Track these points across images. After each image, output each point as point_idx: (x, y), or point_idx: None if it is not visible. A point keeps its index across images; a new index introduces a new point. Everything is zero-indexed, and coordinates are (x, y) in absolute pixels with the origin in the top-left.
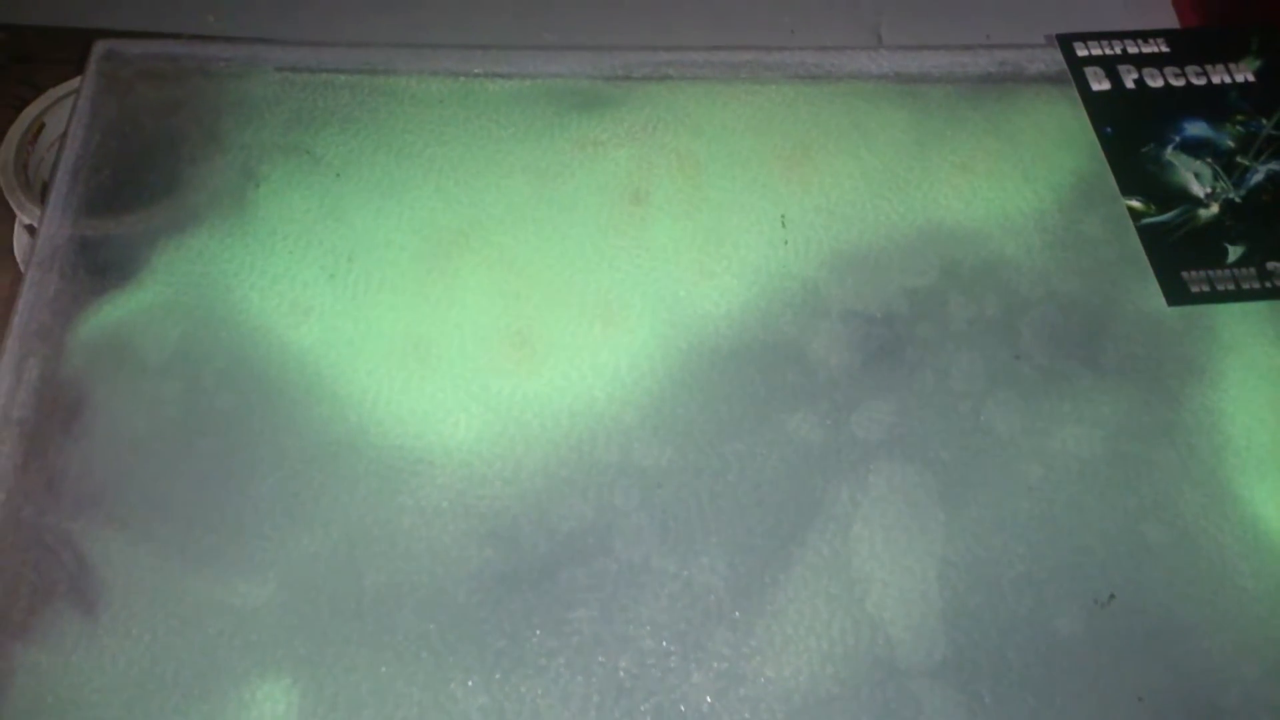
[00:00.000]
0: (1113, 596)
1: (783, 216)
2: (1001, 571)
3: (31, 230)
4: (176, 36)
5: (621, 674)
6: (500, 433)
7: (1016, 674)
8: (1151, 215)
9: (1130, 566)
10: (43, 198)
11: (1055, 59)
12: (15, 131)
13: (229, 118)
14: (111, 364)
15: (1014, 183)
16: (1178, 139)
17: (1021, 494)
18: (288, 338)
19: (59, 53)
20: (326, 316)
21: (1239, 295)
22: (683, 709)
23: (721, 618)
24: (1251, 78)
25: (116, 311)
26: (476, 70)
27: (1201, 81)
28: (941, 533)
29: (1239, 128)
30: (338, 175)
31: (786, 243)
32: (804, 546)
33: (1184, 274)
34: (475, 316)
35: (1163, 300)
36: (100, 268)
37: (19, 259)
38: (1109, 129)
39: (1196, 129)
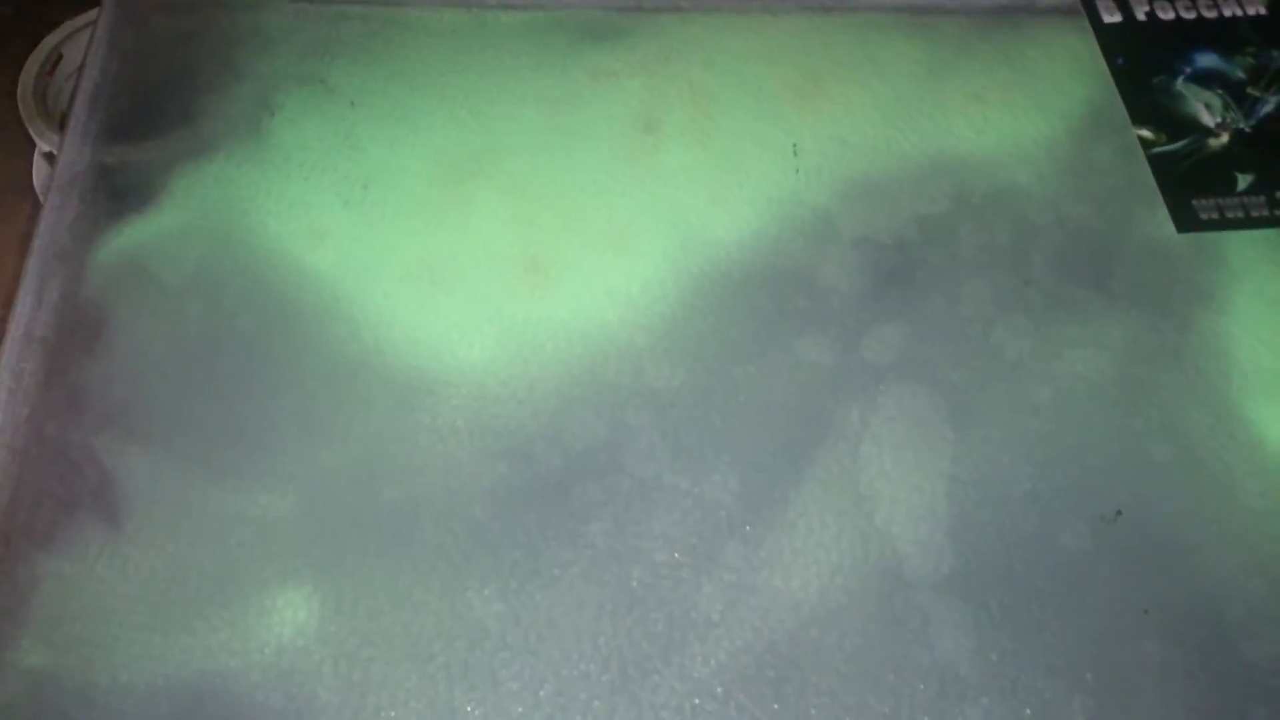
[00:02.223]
0: (1119, 513)
1: (795, 145)
2: (1009, 489)
3: (51, 158)
4: None
5: (634, 584)
6: (514, 354)
7: (1023, 587)
8: (1162, 144)
9: (1137, 484)
10: (61, 126)
11: None
12: (33, 61)
13: (244, 48)
14: (132, 285)
15: (1026, 113)
16: (1189, 70)
17: (1030, 414)
18: (304, 261)
19: None
20: (342, 241)
21: (1248, 223)
22: (693, 617)
23: (732, 532)
24: (1263, 10)
25: (136, 235)
26: (490, 2)
27: (1213, 14)
28: (950, 451)
29: (1250, 59)
30: (352, 104)
31: (798, 171)
32: (813, 464)
33: (1194, 202)
34: (489, 242)
35: (1172, 227)
36: (119, 193)
37: (38, 188)
38: (1120, 60)
39: (1207, 60)
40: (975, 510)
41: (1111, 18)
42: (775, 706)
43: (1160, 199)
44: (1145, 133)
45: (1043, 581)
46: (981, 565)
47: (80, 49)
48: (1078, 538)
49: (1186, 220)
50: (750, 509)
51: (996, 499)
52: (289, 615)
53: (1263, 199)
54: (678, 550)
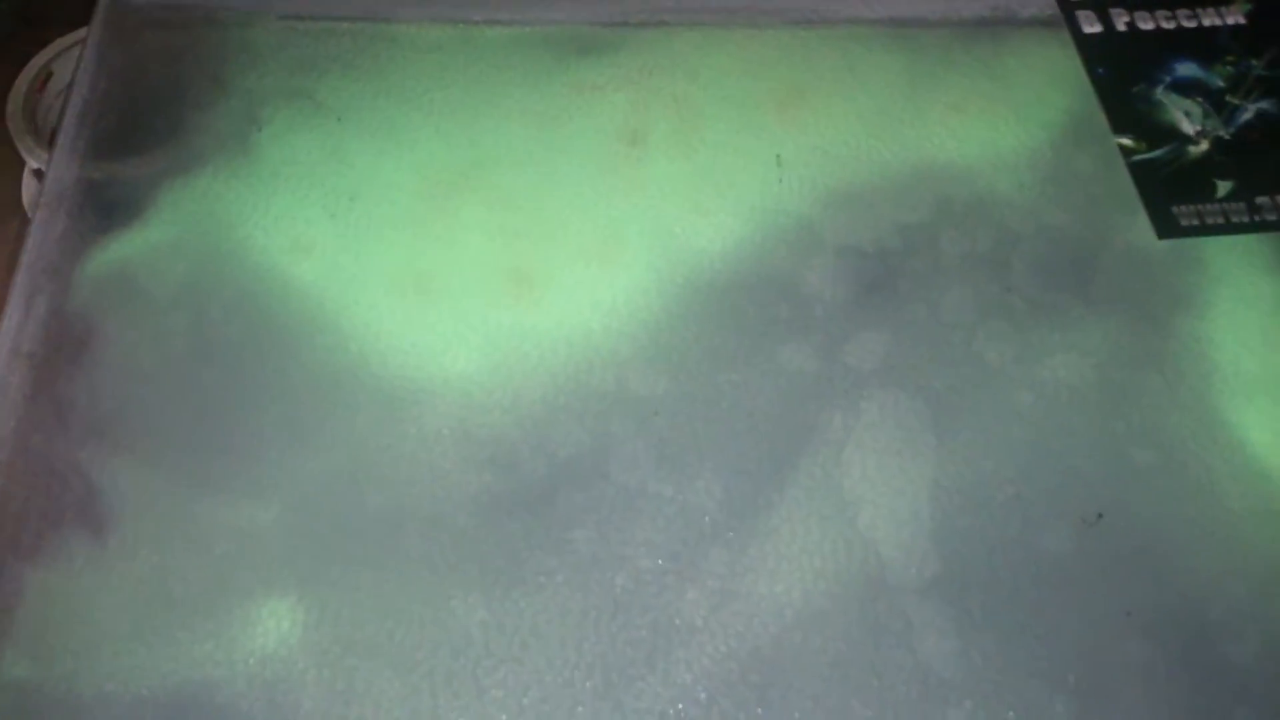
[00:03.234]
0: (1101, 516)
1: (778, 156)
2: (991, 493)
3: (40, 175)
4: None
5: (618, 591)
6: (499, 363)
7: (1006, 590)
8: (1142, 152)
9: (1119, 487)
10: (50, 143)
11: (1048, 2)
12: (23, 79)
13: (233, 64)
14: (119, 299)
15: (1006, 123)
16: (1169, 79)
17: (1012, 419)
18: (291, 273)
19: (68, 14)
20: (329, 253)
21: (1228, 228)
22: (677, 623)
23: (716, 538)
24: (1242, 19)
25: (123, 249)
26: (476, 17)
27: (1193, 24)
28: (933, 456)
29: (1229, 68)
30: (339, 119)
31: (781, 181)
32: (796, 470)
33: (1174, 208)
34: (475, 253)
35: (1153, 234)
36: (107, 208)
37: (27, 205)
38: (1101, 70)
39: (1187, 69)
40: (958, 514)
41: (1092, 28)
42: (759, 711)
43: (1141, 206)
44: (1126, 141)
45: (1025, 584)
46: (964, 569)
47: (70, 66)
48: (1060, 540)
49: (1167, 227)
50: (734, 515)
51: (979, 503)
52: (273, 625)
53: (1243, 205)
54: (661, 557)
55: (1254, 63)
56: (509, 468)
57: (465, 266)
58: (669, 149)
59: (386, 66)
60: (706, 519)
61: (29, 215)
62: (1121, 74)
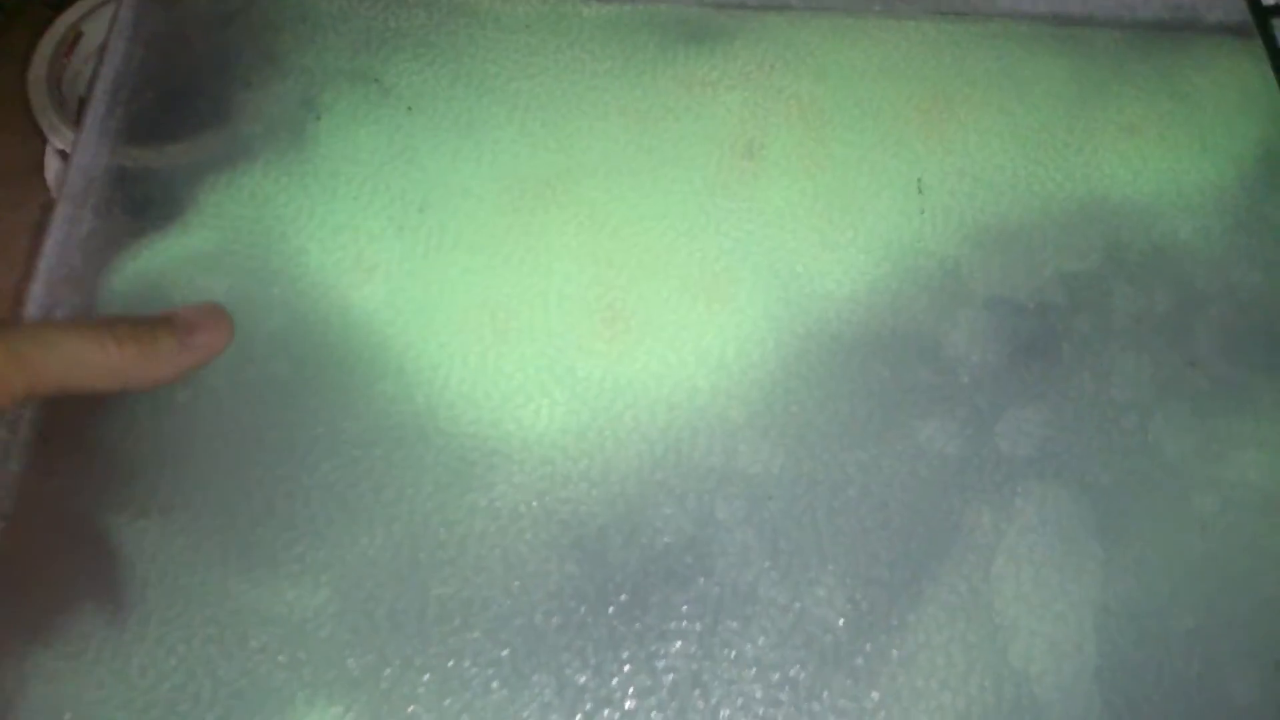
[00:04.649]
0: None
1: (919, 180)
2: (1168, 623)
3: (64, 157)
4: None
5: None
6: (587, 424)
7: None
8: None
9: None
10: (77, 118)
11: (1238, 6)
12: (49, 41)
13: (288, 35)
14: None
15: (1189, 152)
16: None
17: (1193, 530)
18: (349, 299)
19: None
20: (394, 277)
21: None
22: None
23: (839, 663)
24: None
25: (156, 257)
26: None
27: None
28: (1099, 573)
29: None
30: (409, 109)
31: (923, 212)
32: (937, 582)
33: None
34: (561, 284)
35: None
36: (139, 205)
37: (51, 185)
38: None
39: None
40: (1128, 649)
41: None
42: None
43: None
44: None
45: None
46: (1135, 717)
47: (103, 28)
48: (1248, 688)
49: None
50: (861, 634)
51: (1153, 635)
52: None
53: None
54: (774, 683)
55: None
56: (596, 557)
57: (549, 300)
58: (790, 165)
59: (465, 48)
60: (828, 637)
61: (54, 196)
62: None
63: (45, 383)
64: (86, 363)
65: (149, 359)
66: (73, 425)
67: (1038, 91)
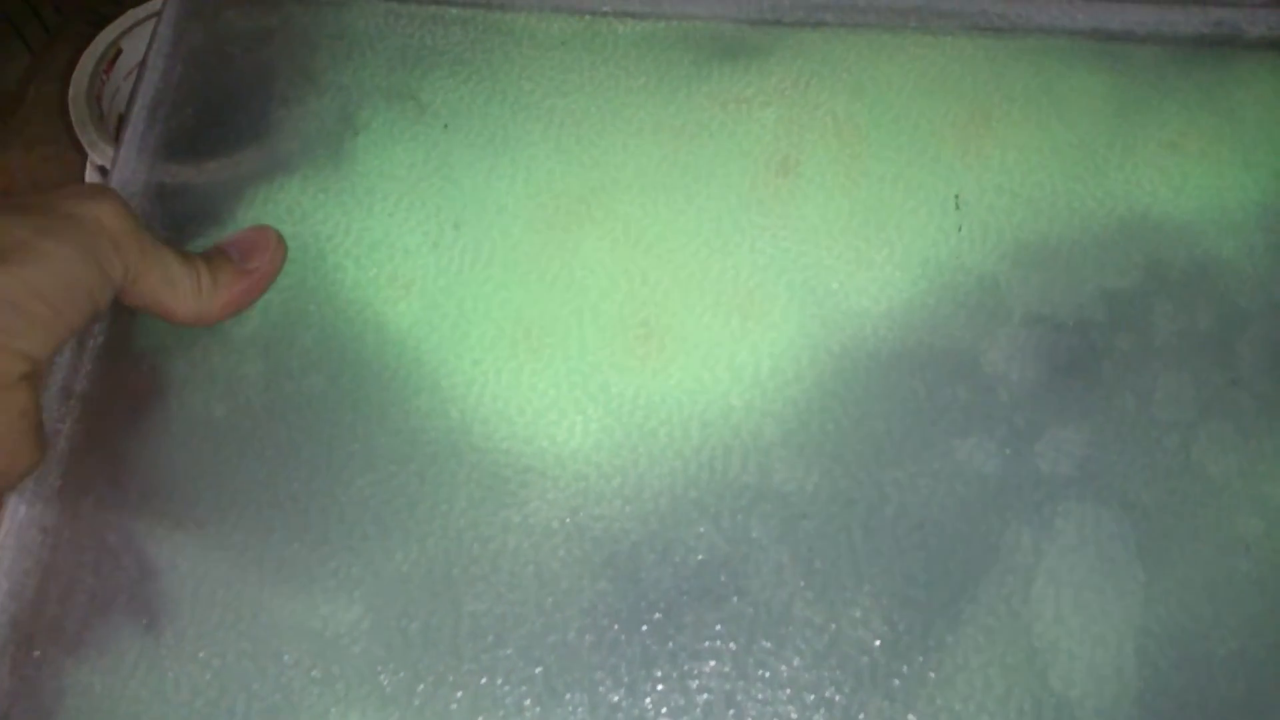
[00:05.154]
0: None
1: (956, 197)
2: (1211, 647)
3: (104, 173)
4: None
5: None
6: (621, 441)
7: None
8: None
9: None
10: (117, 134)
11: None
12: (89, 57)
13: (326, 53)
14: (186, 337)
15: (1232, 169)
16: None
17: (1237, 552)
18: (385, 315)
19: None
20: (428, 292)
21: None
22: None
23: (876, 685)
24: None
25: None
26: (605, 8)
27: None
28: (1140, 595)
29: None
30: (445, 127)
31: (960, 229)
32: (976, 603)
33: None
34: (595, 301)
35: None
36: (178, 220)
37: None
38: None
39: None
40: (1171, 672)
41: None
42: None
43: None
44: None
45: None
46: None
47: (142, 44)
48: None
49: None
50: (898, 656)
51: (1196, 659)
52: None
53: None
54: (809, 704)
55: None
56: (629, 574)
57: (583, 317)
58: (826, 181)
59: (501, 65)
60: (865, 659)
61: None
62: None
63: (139, 292)
64: (179, 286)
65: (218, 286)
66: (110, 439)
67: (1077, 107)
